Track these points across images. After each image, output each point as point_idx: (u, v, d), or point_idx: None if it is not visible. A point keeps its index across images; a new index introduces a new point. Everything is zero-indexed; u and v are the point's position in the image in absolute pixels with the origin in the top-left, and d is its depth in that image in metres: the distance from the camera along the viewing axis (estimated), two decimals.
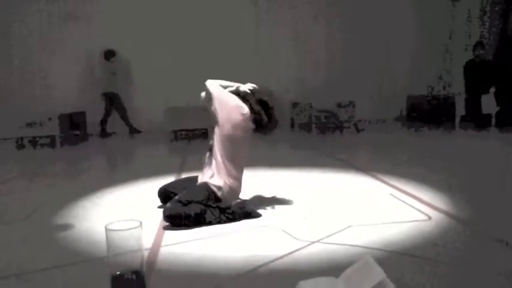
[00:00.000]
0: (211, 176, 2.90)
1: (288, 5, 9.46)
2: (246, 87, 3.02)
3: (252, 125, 2.95)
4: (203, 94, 3.02)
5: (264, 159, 4.85)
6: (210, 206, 2.73)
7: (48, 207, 3.29)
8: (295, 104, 8.83)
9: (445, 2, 9.58)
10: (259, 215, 2.83)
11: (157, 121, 8.40)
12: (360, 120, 8.59)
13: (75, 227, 2.78)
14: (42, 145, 7.21)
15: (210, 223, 2.68)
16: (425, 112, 9.02)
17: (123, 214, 2.94)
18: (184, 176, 3.63)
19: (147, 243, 2.28)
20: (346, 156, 5.35)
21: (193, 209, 2.67)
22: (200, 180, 3.01)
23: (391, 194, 3.37)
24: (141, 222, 1.44)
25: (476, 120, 7.94)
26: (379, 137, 7.35)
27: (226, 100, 2.93)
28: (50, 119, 7.24)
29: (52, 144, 7.24)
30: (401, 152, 5.69)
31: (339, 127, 8.03)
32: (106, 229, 1.41)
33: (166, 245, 2.38)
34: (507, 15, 9.21)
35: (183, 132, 7.63)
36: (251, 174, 3.25)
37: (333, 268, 1.76)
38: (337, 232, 2.50)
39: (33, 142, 7.21)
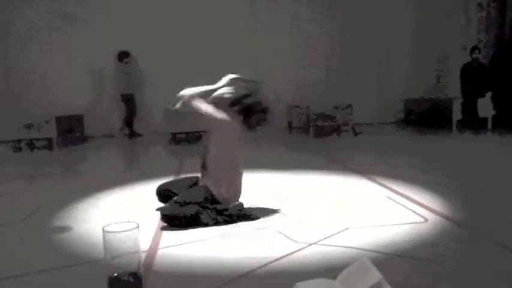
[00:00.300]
0: (210, 179, 2.90)
1: (287, 8, 9.49)
2: (227, 91, 2.92)
3: (243, 126, 2.92)
4: (178, 105, 2.89)
5: (262, 161, 4.87)
6: (207, 208, 2.74)
7: (46, 209, 3.29)
8: (293, 107, 8.85)
9: (443, 6, 9.62)
10: (256, 217, 2.84)
11: (156, 123, 8.43)
12: (357, 124, 8.60)
13: (73, 229, 2.79)
14: (39, 148, 7.21)
15: (206, 224, 2.69)
16: (422, 115, 9.06)
17: (120, 216, 2.94)
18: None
19: (144, 245, 2.27)
20: (344, 158, 5.36)
21: (189, 210, 2.68)
22: (200, 182, 3.02)
23: (388, 196, 3.38)
24: (138, 224, 1.45)
25: (473, 123, 7.98)
26: (376, 140, 7.37)
27: (213, 118, 2.87)
28: (46, 121, 7.21)
29: (49, 146, 7.24)
30: (398, 155, 5.71)
31: (337, 130, 8.04)
32: (103, 231, 1.41)
33: (163, 247, 2.38)
34: (503, 19, 9.25)
35: (182, 135, 7.63)
36: (249, 177, 3.25)
37: (330, 270, 1.77)
38: (334, 234, 2.51)
39: (31, 144, 7.21)
